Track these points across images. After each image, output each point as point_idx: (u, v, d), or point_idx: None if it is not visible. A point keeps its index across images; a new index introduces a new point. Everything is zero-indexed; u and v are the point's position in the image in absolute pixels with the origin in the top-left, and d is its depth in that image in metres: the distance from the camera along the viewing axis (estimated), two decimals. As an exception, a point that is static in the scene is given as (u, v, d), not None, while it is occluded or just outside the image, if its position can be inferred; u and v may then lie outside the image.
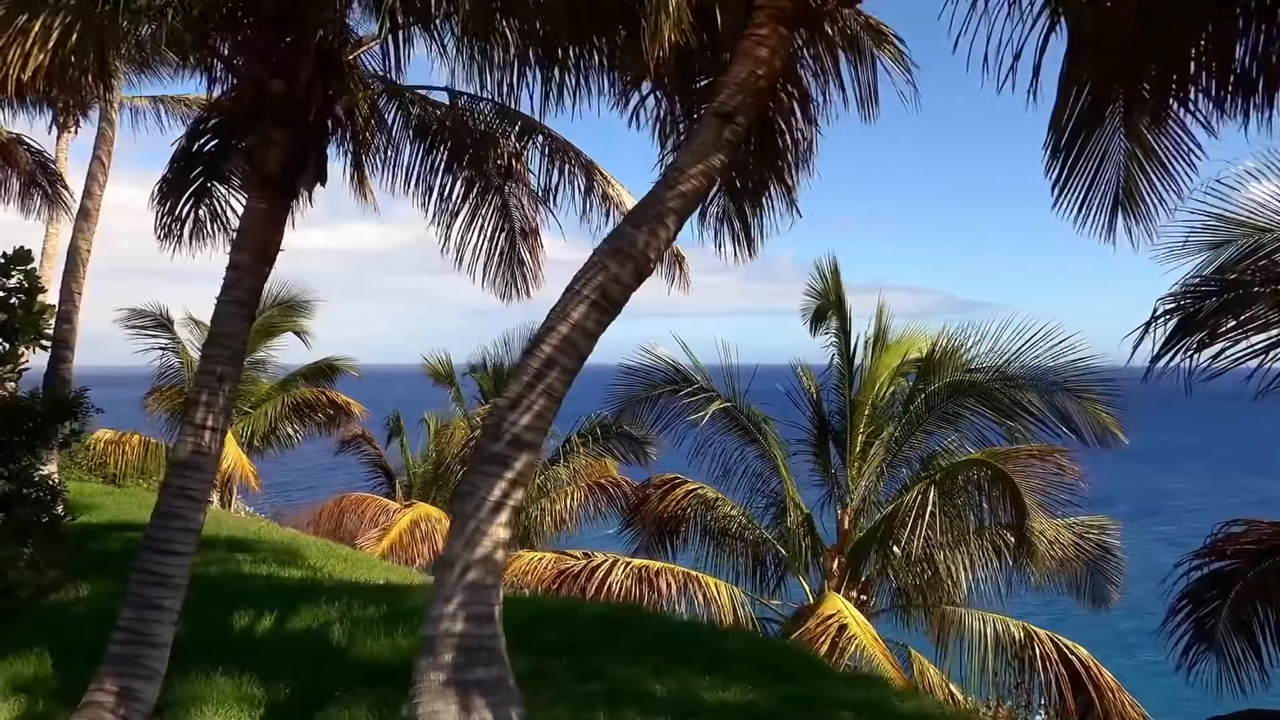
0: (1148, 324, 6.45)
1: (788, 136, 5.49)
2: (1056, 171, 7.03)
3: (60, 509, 11.53)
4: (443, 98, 9.25)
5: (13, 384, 11.44)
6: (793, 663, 7.05)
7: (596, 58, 7.87)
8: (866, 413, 14.48)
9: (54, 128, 20.19)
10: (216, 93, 8.86)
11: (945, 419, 13.61)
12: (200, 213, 9.52)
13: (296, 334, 21.47)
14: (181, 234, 9.57)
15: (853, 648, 10.85)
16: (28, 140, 18.56)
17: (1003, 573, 13.60)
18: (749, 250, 9.07)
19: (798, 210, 5.59)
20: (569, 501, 19.52)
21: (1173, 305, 6.33)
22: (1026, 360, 12.77)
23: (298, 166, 7.29)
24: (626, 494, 19.42)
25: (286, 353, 22.71)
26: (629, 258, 4.82)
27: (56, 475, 12.66)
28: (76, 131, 21.69)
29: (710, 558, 15.11)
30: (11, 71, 7.21)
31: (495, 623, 4.73)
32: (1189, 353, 6.46)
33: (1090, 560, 13.02)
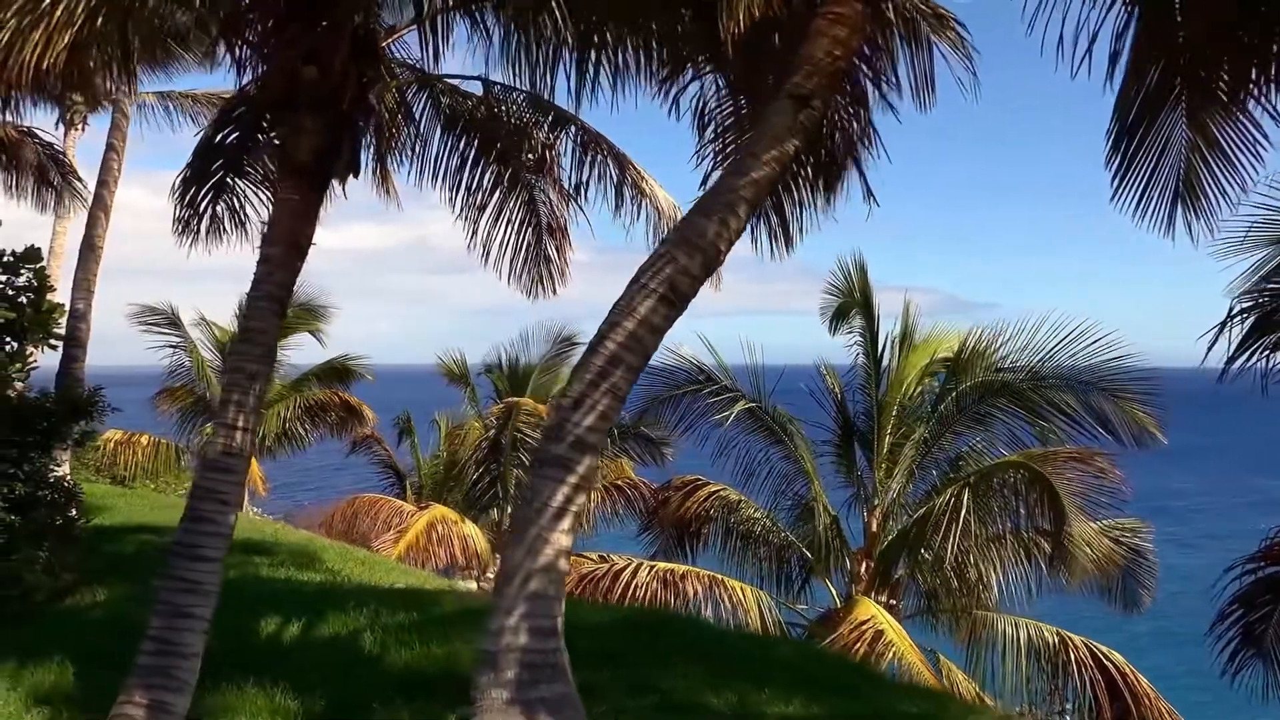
0: (1223, 323, 6.16)
1: (855, 124, 5.18)
2: (1117, 162, 6.76)
3: (75, 511, 11.25)
4: (474, 88, 8.99)
5: (21, 384, 11.19)
6: (848, 674, 6.77)
7: (641, 41, 7.62)
8: (894, 413, 14.21)
9: (61, 125, 19.99)
10: (234, 86, 8.65)
11: (977, 420, 13.32)
12: (218, 209, 9.28)
13: (313, 335, 21.21)
14: (199, 230, 9.32)
15: (890, 655, 10.56)
16: (39, 134, 18.34)
17: (1034, 576, 13.36)
18: (786, 246, 8.79)
19: (875, 199, 5.30)
20: (585, 503, 19.22)
21: (1250, 304, 6.03)
22: (1062, 359, 12.48)
23: (330, 156, 7.01)
24: (644, 496, 19.15)
25: (297, 352, 22.52)
26: (698, 249, 4.54)
27: (70, 476, 12.37)
28: (84, 129, 21.47)
29: (733, 561, 14.83)
30: (31, 57, 6.96)
31: (559, 636, 4.46)
32: (1265, 352, 6.18)
33: (1124, 564, 12.74)
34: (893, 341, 14.65)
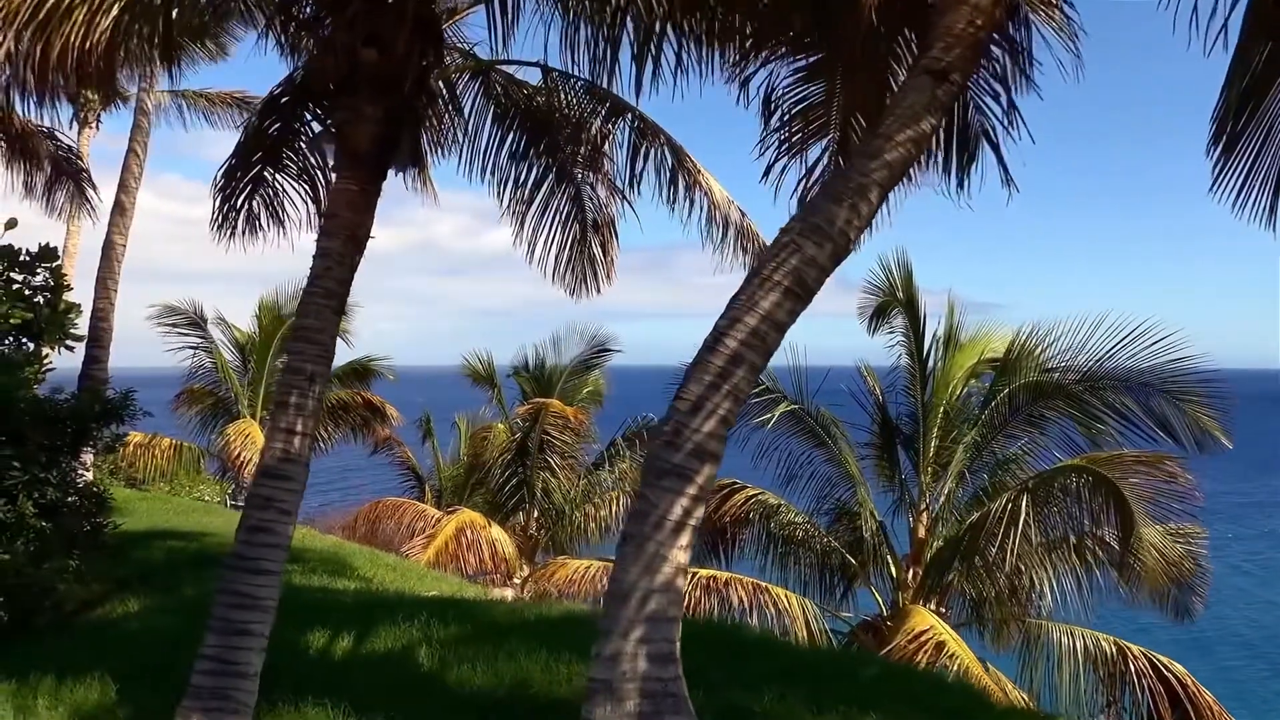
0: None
1: (991, 101, 4.77)
2: (1219, 150, 6.35)
3: (103, 517, 10.84)
4: (529, 75, 8.62)
5: (36, 386, 10.82)
6: (950, 696, 6.36)
7: (709, 24, 7.23)
8: (940, 415, 13.81)
9: (74, 124, 19.63)
10: (246, 85, 8.29)
11: (1030, 422, 12.90)
12: (253, 204, 8.92)
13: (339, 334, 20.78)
14: (236, 226, 8.96)
15: (956, 668, 10.14)
16: (55, 134, 17.97)
17: (1090, 584, 12.95)
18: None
19: (1014, 184, 4.90)
20: (614, 507, 18.82)
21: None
22: (1121, 360, 12.05)
23: (391, 144, 6.63)
24: (674, 499, 18.75)
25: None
26: (827, 238, 4.15)
27: (97, 481, 11.98)
28: (98, 128, 21.12)
29: (774, 566, 14.44)
30: (74, 37, 6.60)
31: (678, 663, 4.06)
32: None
33: (1181, 570, 12.31)
34: (936, 342, 14.28)
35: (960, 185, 5.25)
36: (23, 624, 9.70)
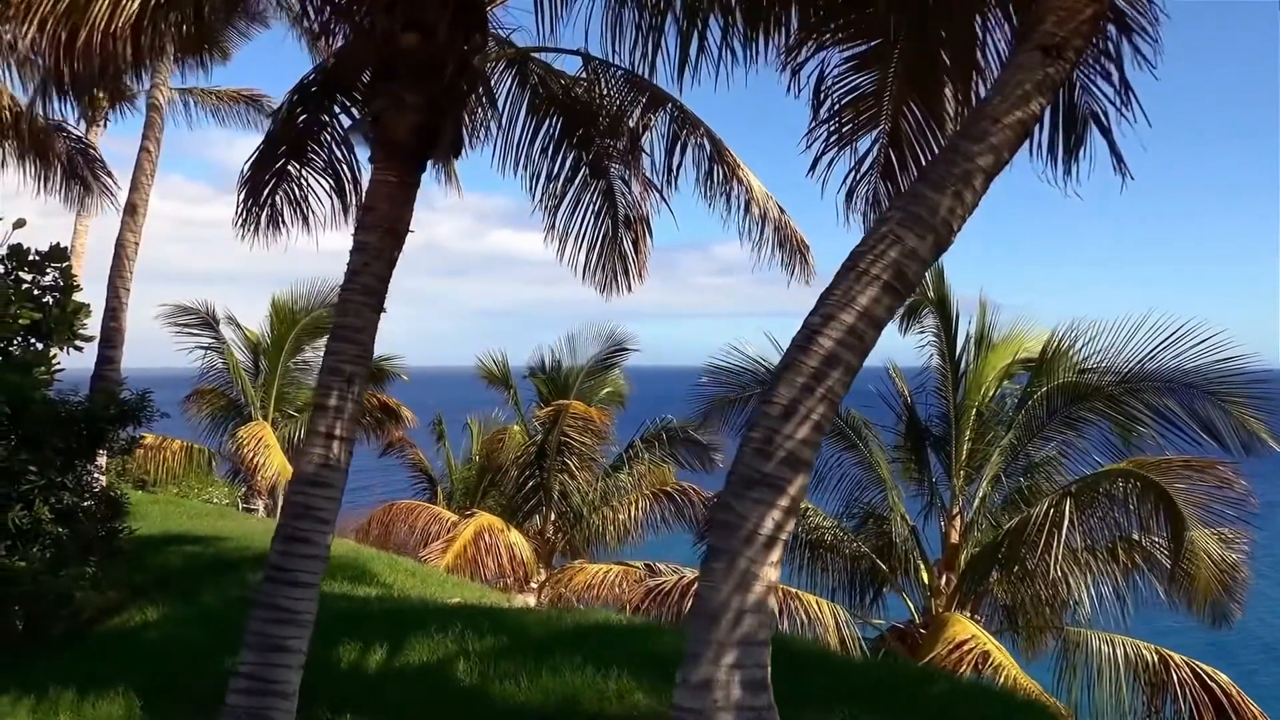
0: None
1: (1103, 81, 4.43)
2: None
3: (119, 522, 10.51)
4: (565, 65, 8.29)
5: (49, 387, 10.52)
6: (1023, 715, 6.05)
7: (756, 9, 6.89)
8: (973, 417, 13.48)
9: (82, 121, 19.32)
10: (256, 83, 7.96)
11: (1068, 424, 12.56)
12: (277, 199, 8.63)
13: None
14: (259, 221, 8.66)
15: (1003, 679, 9.81)
16: (67, 128, 17.66)
17: (1127, 590, 12.61)
18: None
19: (1128, 170, 4.56)
20: (633, 510, 18.48)
21: None
22: (1163, 361, 11.70)
23: (431, 133, 6.31)
24: (694, 502, 18.41)
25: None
26: (929, 228, 3.83)
27: (116, 486, 11.65)
28: (106, 125, 20.82)
29: (800, 571, 14.10)
30: (100, 19, 6.28)
31: (770, 690, 3.74)
32: None
33: (1233, 577, 11.97)
34: (969, 341, 13.95)
35: (1068, 171, 4.92)
36: (37, 633, 9.40)
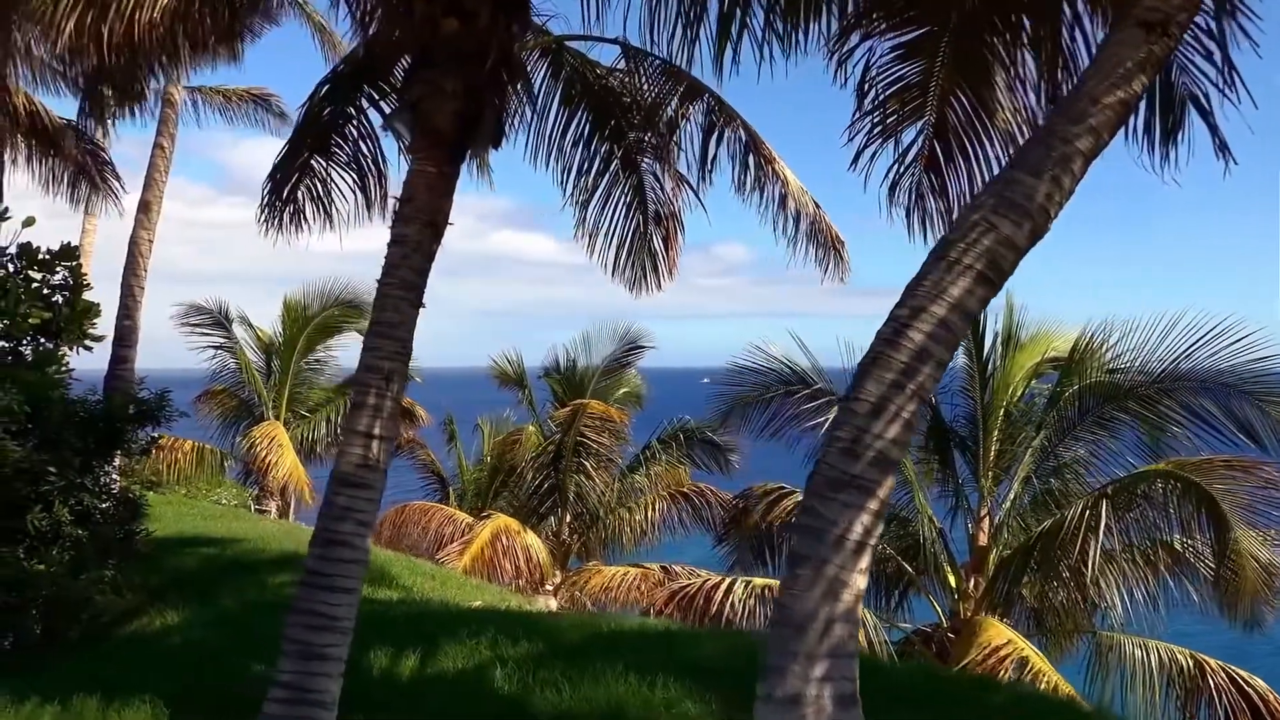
0: None
1: (1204, 60, 4.19)
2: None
3: (137, 523, 10.31)
4: (600, 55, 8.08)
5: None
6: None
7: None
8: (1000, 417, 13.24)
9: (90, 120, 19.12)
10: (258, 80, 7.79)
11: (1100, 425, 12.32)
12: (299, 194, 8.42)
13: (359, 334, 20.26)
14: (282, 218, 8.46)
15: (1044, 685, 9.57)
16: (79, 128, 17.47)
17: (1160, 593, 12.38)
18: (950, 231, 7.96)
19: (1231, 156, 4.32)
20: (649, 512, 18.26)
21: None
22: (1199, 360, 11.46)
23: (472, 122, 6.10)
24: (711, 504, 18.20)
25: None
26: (1026, 215, 3.61)
27: (133, 487, 11.43)
28: (116, 124, 20.60)
29: (825, 575, 13.87)
30: (143, 10, 6.09)
31: (859, 705, 3.52)
32: None
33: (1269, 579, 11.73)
34: (996, 340, 13.72)
35: (1165, 157, 4.70)
36: (54, 637, 9.20)
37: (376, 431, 5.66)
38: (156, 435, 10.75)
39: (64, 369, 10.37)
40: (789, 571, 3.59)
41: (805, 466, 13.86)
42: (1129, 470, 11.85)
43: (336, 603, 5.43)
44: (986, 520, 12.98)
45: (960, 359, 13.88)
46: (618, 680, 6.38)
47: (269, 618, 9.16)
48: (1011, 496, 12.64)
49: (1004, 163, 7.39)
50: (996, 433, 13.19)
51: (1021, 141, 7.21)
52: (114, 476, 10.51)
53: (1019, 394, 13.43)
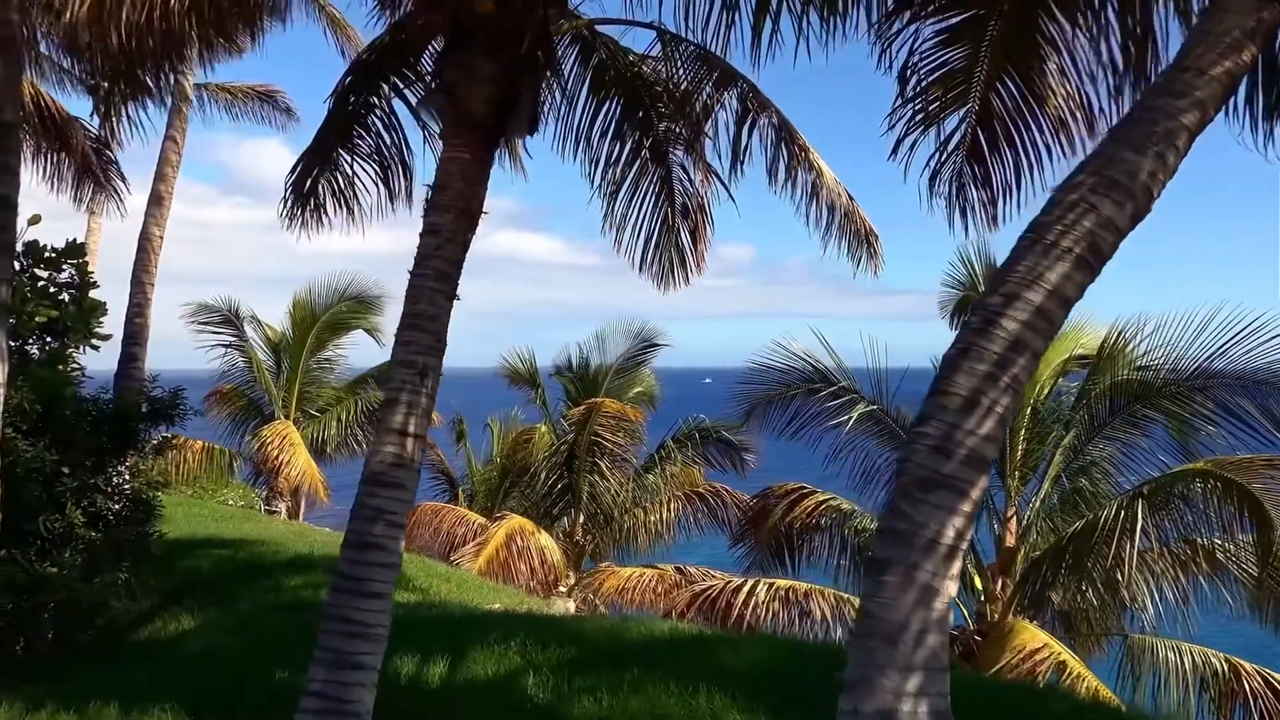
0: None
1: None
2: None
3: (150, 525, 10.05)
4: (632, 42, 7.82)
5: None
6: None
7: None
8: (1027, 416, 12.98)
9: (94, 117, 18.88)
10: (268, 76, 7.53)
11: (1131, 423, 12.05)
12: (320, 187, 8.19)
13: (368, 333, 20.05)
14: (305, 213, 8.23)
15: (1084, 690, 9.32)
16: (84, 123, 17.23)
17: (1192, 594, 12.11)
18: (993, 221, 7.76)
19: None
20: (664, 512, 18.01)
21: None
22: (1234, 358, 11.19)
23: (507, 106, 5.85)
24: (726, 503, 17.94)
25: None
26: (1128, 194, 3.36)
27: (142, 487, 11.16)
28: (120, 118, 20.32)
29: (847, 576, 13.63)
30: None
31: (951, 717, 3.27)
32: None
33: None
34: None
35: (1270, 134, 4.44)
36: (65, 642, 8.96)
37: (411, 429, 5.42)
38: (170, 434, 10.50)
39: (76, 366, 10.18)
40: (872, 578, 3.34)
41: (826, 466, 13.66)
42: (1162, 470, 11.59)
43: (370, 609, 5.19)
44: (1014, 521, 12.73)
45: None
46: (658, 687, 6.13)
47: (288, 621, 8.93)
48: (1041, 497, 12.38)
49: (1055, 151, 7.24)
50: (1023, 432, 12.93)
51: (1075, 128, 7.03)
52: (125, 477, 10.24)
53: (1046, 392, 13.17)
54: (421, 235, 5.79)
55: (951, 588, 3.34)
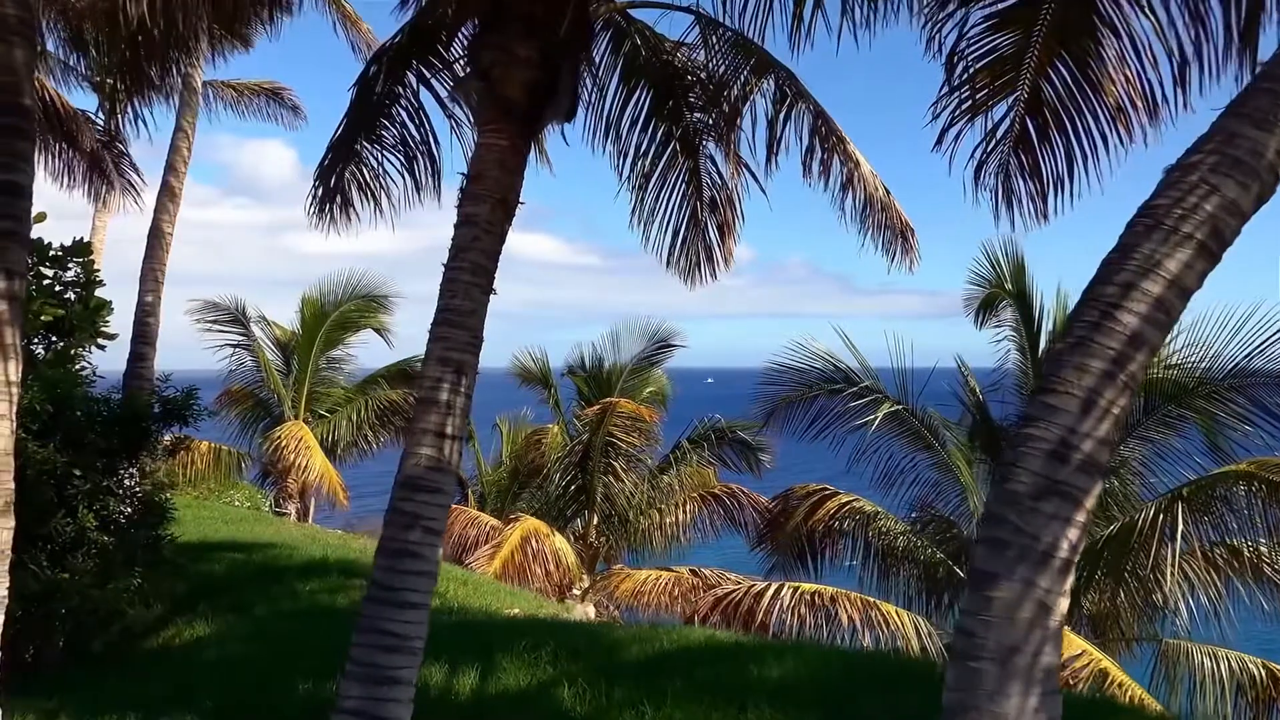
0: None
1: None
2: None
3: (163, 529, 9.76)
4: (665, 28, 7.53)
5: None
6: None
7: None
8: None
9: (99, 114, 18.61)
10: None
11: (1166, 424, 11.77)
12: (344, 182, 7.91)
13: (377, 332, 19.74)
14: (332, 208, 7.95)
15: (1129, 698, 9.03)
16: (92, 118, 16.96)
17: (1228, 598, 11.83)
18: (1043, 214, 7.48)
19: None
20: (680, 514, 17.71)
21: None
22: (1273, 357, 10.90)
23: (545, 91, 5.58)
24: (743, 505, 17.65)
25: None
26: (1253, 175, 3.09)
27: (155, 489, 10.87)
28: (125, 114, 20.05)
29: (872, 579, 13.37)
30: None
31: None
32: None
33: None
34: (1048, 335, 13.20)
35: None
36: (76, 650, 8.67)
37: (449, 430, 5.14)
38: (183, 435, 10.23)
39: (86, 366, 9.92)
40: (977, 593, 3.06)
41: (850, 467, 13.32)
42: (1197, 471, 11.32)
43: (407, 620, 4.90)
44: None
45: (1013, 355, 13.39)
46: (700, 701, 5.85)
47: (307, 629, 8.66)
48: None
49: (1112, 139, 6.95)
50: (1052, 432, 12.64)
51: (1135, 116, 6.75)
52: (135, 478, 9.97)
53: (1075, 392, 12.89)
54: (456, 226, 5.52)
55: (1064, 604, 3.06)
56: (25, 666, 8.30)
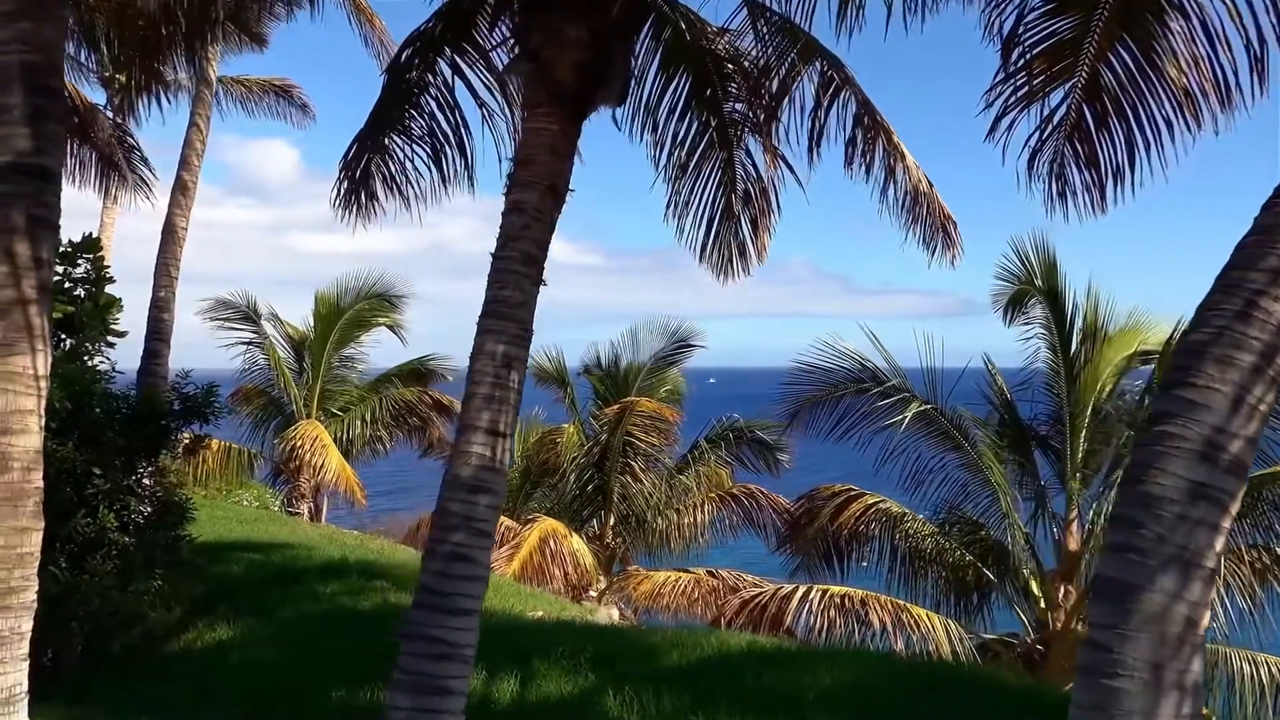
0: None
1: None
2: None
3: (182, 529, 9.52)
4: (712, 14, 7.29)
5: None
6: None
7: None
8: (1089, 416, 12.44)
9: (108, 109, 18.39)
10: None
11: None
12: (370, 174, 7.68)
13: (392, 330, 19.50)
14: (358, 200, 7.71)
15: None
16: (105, 112, 16.72)
17: (1265, 600, 11.59)
18: (1100, 205, 7.23)
19: None
20: (697, 514, 17.46)
21: None
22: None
23: (596, 74, 5.33)
24: (762, 505, 17.40)
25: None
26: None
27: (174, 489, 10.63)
28: (134, 110, 19.84)
29: (900, 582, 13.11)
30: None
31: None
32: None
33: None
34: (1080, 334, 12.94)
35: None
36: (94, 653, 8.42)
37: (501, 427, 4.90)
38: (202, 434, 9.99)
39: (104, 362, 9.69)
40: (1112, 604, 2.81)
41: (878, 469, 13.05)
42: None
43: (458, 626, 4.67)
44: (1075, 524, 12.20)
45: (1043, 353, 13.13)
46: (755, 711, 5.60)
47: (330, 632, 8.42)
48: (1110, 499, 11.83)
49: (1178, 126, 6.69)
50: (1084, 432, 12.40)
51: (1204, 103, 6.50)
52: (157, 478, 9.72)
53: (1108, 390, 12.64)
54: (505, 214, 5.28)
55: (1207, 617, 2.81)
56: (43, 670, 8.06)
